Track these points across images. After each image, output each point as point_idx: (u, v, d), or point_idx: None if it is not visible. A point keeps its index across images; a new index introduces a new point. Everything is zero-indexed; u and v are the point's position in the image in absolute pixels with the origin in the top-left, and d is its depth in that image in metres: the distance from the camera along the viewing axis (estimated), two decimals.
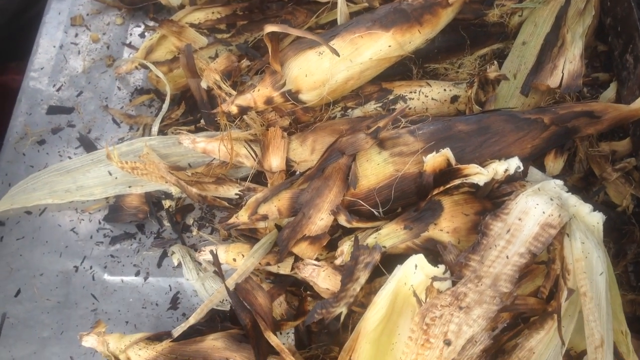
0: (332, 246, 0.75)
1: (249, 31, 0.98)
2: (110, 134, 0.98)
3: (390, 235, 0.70)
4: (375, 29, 0.82)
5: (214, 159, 0.85)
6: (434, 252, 0.68)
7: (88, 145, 0.97)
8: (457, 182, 0.69)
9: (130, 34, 1.09)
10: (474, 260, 0.63)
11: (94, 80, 1.04)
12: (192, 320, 0.73)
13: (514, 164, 0.69)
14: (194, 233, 0.89)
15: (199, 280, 0.83)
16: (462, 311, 0.61)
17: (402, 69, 0.92)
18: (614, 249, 0.81)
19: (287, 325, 0.74)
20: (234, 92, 0.85)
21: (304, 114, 0.87)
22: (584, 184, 0.85)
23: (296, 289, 0.79)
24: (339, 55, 0.79)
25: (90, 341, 0.73)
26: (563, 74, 0.86)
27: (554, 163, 0.81)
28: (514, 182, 0.71)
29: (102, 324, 0.75)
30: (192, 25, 0.97)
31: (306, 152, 0.82)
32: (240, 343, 0.71)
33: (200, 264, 0.84)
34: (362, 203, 0.73)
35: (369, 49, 0.82)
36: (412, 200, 0.74)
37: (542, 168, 0.80)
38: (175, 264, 0.86)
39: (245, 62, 0.91)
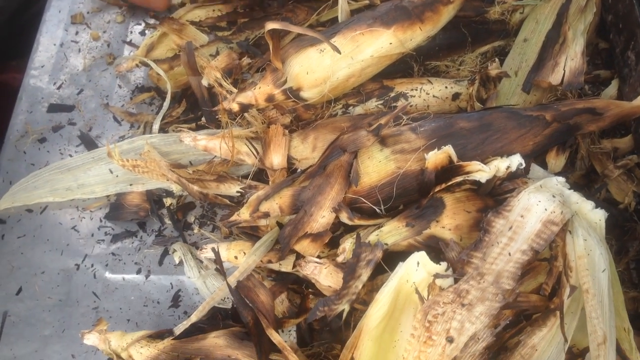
0: (333, 244, 0.75)
1: (250, 29, 0.98)
2: (111, 132, 0.98)
3: (392, 232, 0.70)
4: (376, 26, 0.82)
5: (215, 156, 0.85)
6: (436, 249, 0.68)
7: (89, 143, 0.97)
8: (458, 179, 0.69)
9: (131, 32, 1.09)
10: (476, 258, 0.63)
11: (94, 78, 1.04)
12: (193, 318, 0.73)
13: (516, 161, 0.69)
14: (195, 231, 0.89)
15: (201, 278, 0.83)
16: (465, 308, 0.61)
17: (403, 67, 0.92)
18: (616, 246, 0.81)
19: (289, 323, 0.74)
20: (235, 90, 0.85)
21: (305, 111, 0.87)
22: (586, 181, 0.85)
23: (298, 286, 0.78)
24: (340, 53, 0.78)
25: (91, 339, 0.73)
26: (564, 71, 0.86)
27: (556, 160, 0.81)
28: (516, 179, 0.71)
29: (104, 322, 0.74)
30: (192, 22, 0.97)
31: (307, 149, 0.82)
32: (242, 341, 0.71)
33: (201, 261, 0.84)
34: (364, 200, 0.73)
35: (370, 47, 0.82)
36: (413, 197, 0.74)
37: (543, 165, 0.80)
38: (177, 261, 0.86)
39: (246, 60, 0.91)
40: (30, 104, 1.01)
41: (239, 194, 0.82)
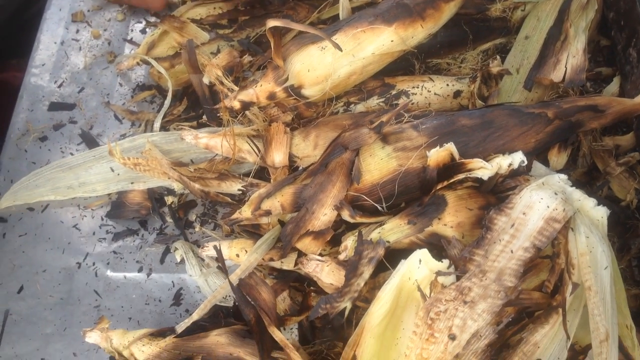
0: (335, 241, 0.75)
1: (251, 26, 0.97)
2: (112, 130, 0.98)
3: (394, 230, 0.70)
4: (377, 24, 0.81)
5: (217, 154, 0.85)
6: (438, 246, 0.68)
7: (90, 141, 0.97)
8: (460, 176, 0.69)
9: (132, 30, 1.09)
10: (478, 255, 0.63)
11: (95, 77, 1.04)
12: (195, 316, 0.73)
13: (517, 158, 0.69)
14: (197, 229, 0.89)
15: (202, 276, 0.83)
16: (467, 305, 0.61)
17: (404, 64, 0.92)
18: (618, 243, 0.80)
19: (291, 321, 0.74)
20: (236, 88, 0.85)
21: (306, 109, 0.86)
22: (588, 179, 0.85)
23: (300, 284, 0.78)
24: (341, 50, 0.78)
25: (93, 337, 0.73)
26: (566, 68, 0.86)
27: (558, 158, 0.81)
28: (518, 176, 0.70)
29: (106, 320, 0.75)
30: (193, 20, 0.97)
31: (309, 147, 0.81)
32: (244, 338, 0.71)
33: (203, 260, 0.84)
34: (366, 198, 0.73)
35: (371, 44, 0.82)
36: (415, 195, 0.74)
37: (545, 163, 0.80)
38: (178, 260, 0.86)
39: (247, 58, 0.91)
40: (31, 103, 1.01)
41: (240, 192, 0.82)
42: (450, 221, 0.69)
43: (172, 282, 0.86)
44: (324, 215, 0.72)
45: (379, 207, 0.73)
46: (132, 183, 0.89)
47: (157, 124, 0.93)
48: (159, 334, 0.74)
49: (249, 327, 0.70)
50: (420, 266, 0.64)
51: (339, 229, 0.76)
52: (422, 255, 0.64)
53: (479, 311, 0.61)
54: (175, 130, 0.92)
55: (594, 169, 0.85)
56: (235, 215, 0.76)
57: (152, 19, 1.08)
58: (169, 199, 0.90)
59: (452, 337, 0.60)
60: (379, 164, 0.73)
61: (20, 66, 1.10)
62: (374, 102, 0.87)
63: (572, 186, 0.68)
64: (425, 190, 0.72)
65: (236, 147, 0.81)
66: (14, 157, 0.96)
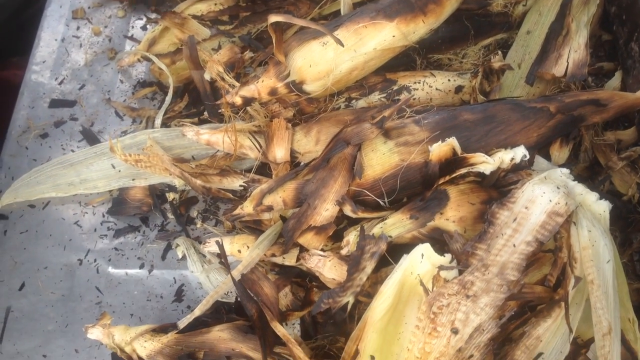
0: (337, 237, 0.75)
1: (252, 22, 0.97)
2: (113, 127, 0.98)
3: (396, 224, 0.70)
4: (379, 19, 0.81)
5: (218, 150, 0.85)
6: (440, 241, 0.68)
7: (91, 138, 0.97)
8: (463, 171, 0.69)
9: (132, 27, 1.09)
10: (481, 249, 0.63)
11: (96, 74, 1.04)
12: (197, 311, 0.73)
13: (520, 153, 0.69)
14: (198, 225, 0.89)
15: (204, 273, 0.83)
16: (469, 300, 0.61)
17: (405, 60, 0.92)
18: (620, 237, 0.80)
19: (294, 316, 0.74)
20: (237, 84, 0.85)
21: (308, 104, 0.86)
22: (590, 173, 0.85)
23: (301, 280, 0.78)
24: (343, 46, 0.78)
25: (95, 333, 0.73)
26: (568, 63, 0.85)
27: (560, 152, 0.81)
28: (520, 171, 0.70)
29: (108, 316, 0.74)
30: (194, 17, 0.97)
31: (311, 143, 0.81)
32: (246, 334, 0.71)
33: (204, 256, 0.84)
34: (368, 193, 0.72)
35: (373, 39, 0.82)
36: (417, 189, 0.74)
37: (547, 158, 0.80)
38: (180, 256, 0.86)
39: (248, 54, 0.91)
40: (32, 100, 1.01)
41: (242, 188, 0.82)
42: (452, 216, 0.69)
43: (174, 278, 0.86)
44: (326, 211, 0.72)
45: (381, 202, 0.73)
46: (133, 180, 0.89)
47: (158, 121, 0.93)
48: (161, 330, 0.74)
49: (251, 323, 0.70)
50: (422, 261, 0.64)
51: (341, 224, 0.76)
52: (425, 249, 0.64)
53: (481, 305, 0.61)
54: (176, 126, 0.92)
55: (595, 163, 0.85)
56: (237, 211, 0.76)
57: (153, 16, 1.08)
58: (171, 196, 0.90)
59: (455, 331, 0.60)
60: (381, 158, 0.73)
61: (21, 64, 1.10)
62: (376, 97, 0.87)
63: (574, 180, 0.67)
64: (427, 185, 0.72)
65: (237, 143, 0.81)
66: (15, 154, 0.96)
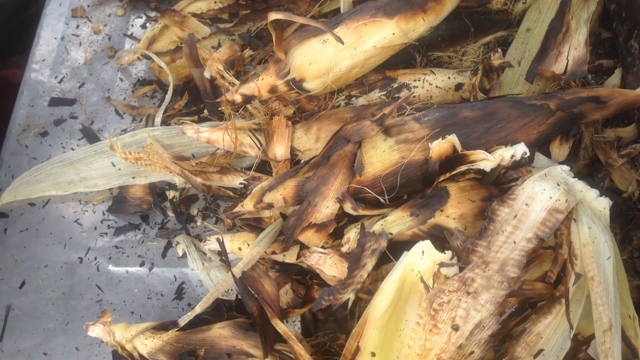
0: (337, 234, 0.75)
1: (252, 20, 0.97)
2: (113, 125, 0.98)
3: (397, 222, 0.70)
4: (379, 17, 0.81)
5: (218, 148, 0.85)
6: (440, 238, 0.68)
7: (91, 136, 0.97)
8: (463, 168, 0.69)
9: (132, 25, 1.09)
10: (481, 246, 0.63)
11: (95, 72, 1.04)
12: (198, 309, 0.73)
13: (520, 150, 0.69)
14: (199, 223, 0.89)
15: (204, 270, 0.83)
16: (470, 296, 0.61)
17: (405, 57, 0.92)
18: (620, 235, 0.80)
19: (294, 313, 0.74)
20: (237, 82, 0.85)
21: (308, 102, 0.86)
22: (590, 171, 0.85)
23: (302, 277, 0.78)
24: (343, 43, 0.78)
25: (96, 331, 0.73)
26: (568, 60, 0.85)
27: (560, 149, 0.81)
28: (521, 168, 0.70)
29: (108, 314, 0.74)
30: (194, 15, 0.97)
31: (311, 140, 0.81)
32: (247, 331, 0.71)
33: (205, 254, 0.84)
34: (368, 190, 0.73)
35: (373, 37, 0.82)
36: (418, 187, 0.74)
37: (547, 155, 0.80)
38: (180, 254, 0.86)
39: (248, 52, 0.91)
40: (32, 98, 1.01)
41: (242, 186, 0.82)
42: (452, 213, 0.69)
43: (174, 276, 0.86)
44: (326, 208, 0.72)
45: (381, 199, 0.73)
46: (133, 178, 0.89)
47: (158, 119, 0.93)
48: (162, 327, 0.74)
49: (252, 320, 0.70)
50: (423, 258, 0.64)
51: (342, 221, 0.76)
52: (425, 246, 0.64)
53: (482, 302, 0.61)
54: (176, 124, 0.92)
55: (595, 160, 0.85)
56: (238, 209, 0.76)
57: (153, 14, 1.08)
58: (171, 194, 0.90)
59: (456, 328, 0.60)
60: (381, 156, 0.73)
61: (20, 63, 1.10)
62: (376, 95, 0.87)
63: (574, 177, 0.68)
64: (427, 182, 0.72)
65: (238, 140, 0.81)
66: (15, 153, 0.96)
